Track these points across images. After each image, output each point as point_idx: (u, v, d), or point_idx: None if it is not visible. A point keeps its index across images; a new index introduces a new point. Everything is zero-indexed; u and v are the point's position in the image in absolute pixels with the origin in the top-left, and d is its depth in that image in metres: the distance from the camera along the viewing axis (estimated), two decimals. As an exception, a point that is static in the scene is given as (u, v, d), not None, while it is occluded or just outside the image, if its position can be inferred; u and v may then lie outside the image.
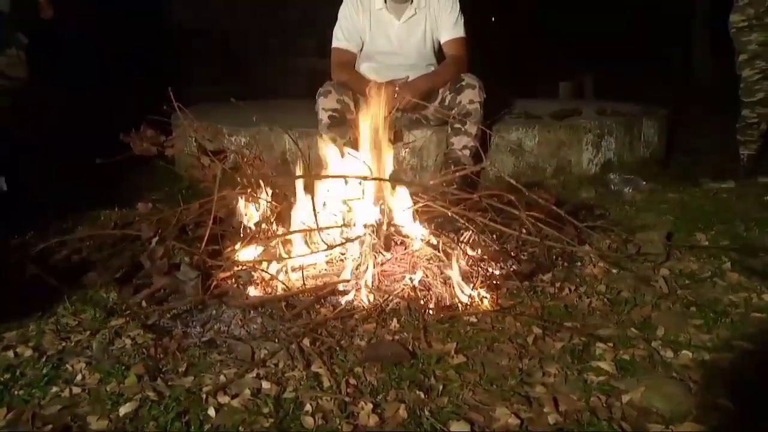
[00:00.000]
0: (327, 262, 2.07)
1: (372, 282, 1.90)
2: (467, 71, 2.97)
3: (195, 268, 1.93)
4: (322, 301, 1.87)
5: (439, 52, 3.11)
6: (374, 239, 2.00)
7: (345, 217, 2.15)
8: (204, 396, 1.41)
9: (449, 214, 2.14)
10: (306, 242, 2.07)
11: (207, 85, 5.32)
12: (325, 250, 2.01)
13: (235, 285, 1.96)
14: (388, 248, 2.05)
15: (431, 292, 1.89)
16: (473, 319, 1.77)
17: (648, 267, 2.15)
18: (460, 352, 1.59)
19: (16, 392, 1.44)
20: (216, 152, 2.56)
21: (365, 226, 2.04)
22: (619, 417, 1.34)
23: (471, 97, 2.88)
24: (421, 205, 2.19)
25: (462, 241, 2.08)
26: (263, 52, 6.45)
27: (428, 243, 2.04)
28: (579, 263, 2.18)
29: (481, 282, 1.95)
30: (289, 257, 2.01)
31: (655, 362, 1.55)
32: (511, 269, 2.03)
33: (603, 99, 4.76)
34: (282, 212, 2.20)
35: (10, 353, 1.61)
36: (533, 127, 3.38)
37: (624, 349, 1.60)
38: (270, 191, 2.25)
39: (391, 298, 1.85)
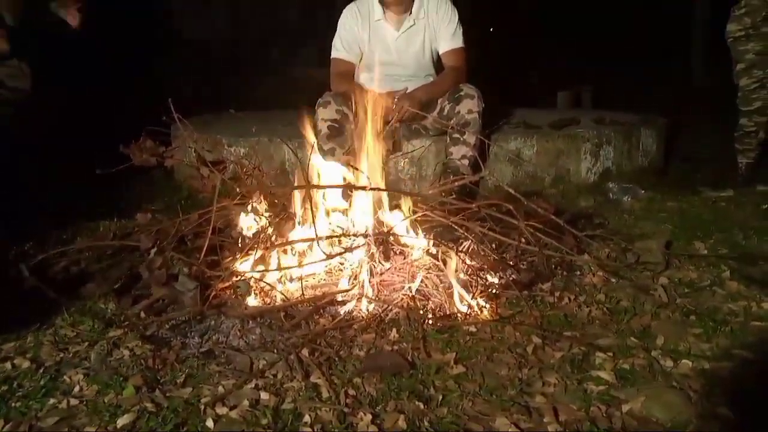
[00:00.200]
0: (326, 272, 2.07)
1: (371, 292, 1.90)
2: (466, 81, 2.98)
3: (194, 279, 1.93)
4: (321, 311, 1.87)
5: (437, 63, 3.13)
6: (374, 249, 2.00)
7: (344, 227, 2.15)
8: (202, 407, 1.40)
9: (448, 223, 2.14)
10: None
11: (206, 96, 5.34)
12: (323, 259, 2.01)
13: (234, 295, 1.96)
14: (387, 258, 2.05)
15: (430, 302, 1.89)
16: (473, 329, 1.76)
17: (647, 276, 2.15)
18: (460, 362, 1.59)
19: (13, 404, 1.43)
20: (215, 163, 2.57)
21: (364, 236, 2.04)
22: (620, 427, 1.33)
23: (470, 106, 2.89)
24: (420, 214, 2.19)
25: (461, 251, 2.08)
26: (263, 62, 6.48)
27: (427, 252, 2.04)
28: (578, 272, 2.18)
29: (481, 291, 1.95)
30: (289, 267, 2.01)
31: (654, 371, 1.54)
32: (511, 279, 2.03)
33: (601, 108, 4.78)
34: (281, 222, 2.20)
35: (8, 365, 1.60)
36: (532, 137, 3.39)
37: (624, 358, 1.60)
38: (269, 202, 2.25)
39: (390, 307, 1.84)
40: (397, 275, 1.99)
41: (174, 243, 2.16)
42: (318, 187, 2.15)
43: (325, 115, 2.87)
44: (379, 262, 2.01)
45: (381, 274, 1.98)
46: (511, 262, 2.14)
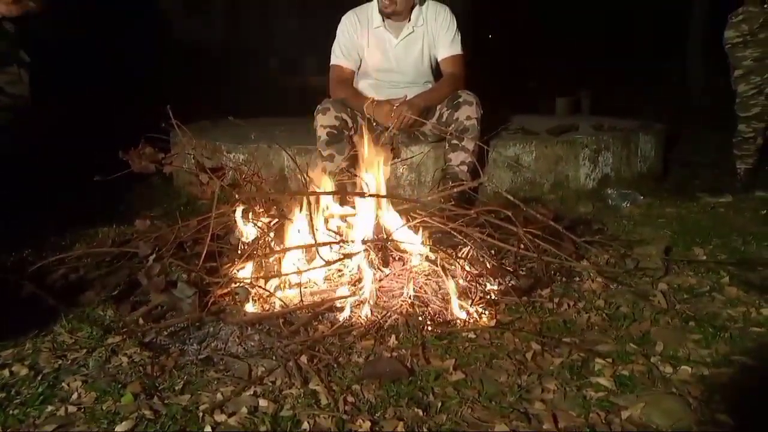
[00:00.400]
0: (325, 279, 2.06)
1: (370, 298, 1.89)
2: (464, 88, 2.99)
3: (192, 285, 1.92)
4: (320, 317, 1.87)
5: (436, 69, 3.14)
6: (373, 255, 2.00)
7: (343, 233, 2.15)
8: (201, 414, 1.40)
9: (447, 229, 2.14)
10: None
11: (206, 102, 5.36)
12: (322, 266, 2.01)
13: (233, 302, 1.95)
14: (386, 264, 2.05)
15: (429, 308, 1.88)
16: (472, 335, 1.76)
17: (646, 282, 2.15)
18: (459, 368, 1.59)
19: (11, 411, 1.43)
20: (214, 169, 2.57)
21: (363, 242, 2.04)
22: (619, 433, 1.33)
23: (468, 113, 2.89)
24: (419, 220, 2.19)
25: (460, 257, 2.08)
26: (263, 69, 6.51)
27: (426, 258, 2.04)
28: (577, 278, 2.18)
29: (480, 298, 1.94)
30: (288, 273, 2.01)
31: (654, 378, 1.54)
32: (510, 285, 2.03)
33: (600, 114, 4.79)
34: (280, 228, 2.20)
35: (6, 372, 1.60)
36: (531, 143, 3.40)
37: (623, 364, 1.60)
38: (268, 208, 2.25)
39: (389, 314, 1.84)
40: (396, 281, 1.99)
41: (173, 249, 2.16)
42: (316, 194, 2.15)
43: (324, 122, 2.88)
44: (378, 268, 2.01)
45: (380, 280, 1.98)
46: (510, 269, 2.14)
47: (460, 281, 1.99)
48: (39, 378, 1.56)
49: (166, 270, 2.03)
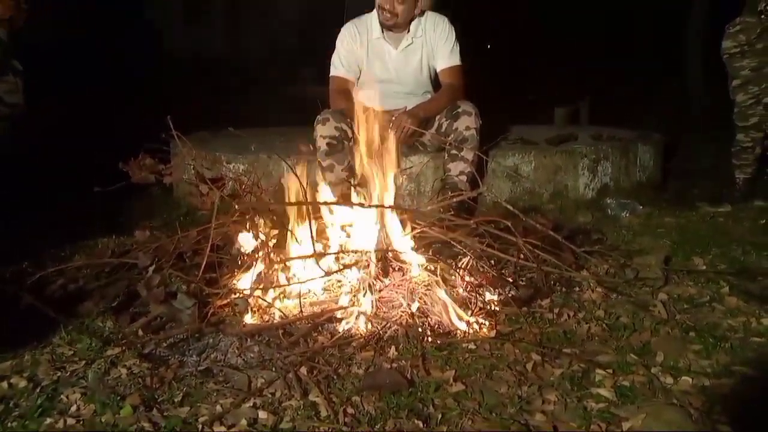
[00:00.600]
0: (324, 289, 2.06)
1: (370, 309, 1.89)
2: (463, 98, 3.00)
3: (192, 296, 1.92)
4: (320, 328, 1.86)
5: (435, 80, 3.15)
6: (373, 265, 2.00)
7: (343, 243, 2.15)
8: (200, 426, 1.39)
9: (447, 239, 2.14)
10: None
11: (205, 113, 5.37)
12: (322, 276, 2.01)
13: (232, 313, 1.95)
14: (386, 274, 2.05)
15: (429, 319, 1.88)
16: (472, 346, 1.76)
17: (646, 292, 2.15)
18: (459, 379, 1.58)
19: (9, 424, 1.42)
20: (214, 180, 2.57)
21: (363, 252, 2.04)
22: (620, 445, 1.33)
23: (467, 123, 2.90)
24: (418, 231, 2.19)
25: (460, 267, 2.08)
26: (262, 80, 6.53)
27: (426, 269, 2.04)
28: (577, 288, 2.18)
29: (479, 308, 1.94)
30: (287, 284, 2.01)
31: (655, 388, 1.53)
32: (509, 295, 2.03)
33: (598, 123, 4.80)
34: (279, 239, 2.20)
35: (5, 384, 1.59)
36: (530, 153, 3.41)
37: (623, 375, 1.59)
38: (267, 218, 2.25)
39: (389, 324, 1.84)
40: (396, 292, 1.99)
41: (172, 260, 2.16)
42: (316, 203, 2.15)
43: (324, 132, 2.88)
44: (378, 278, 2.01)
45: (380, 290, 1.97)
46: (509, 279, 2.13)
47: (460, 291, 1.99)
48: (38, 390, 1.56)
49: (165, 281, 2.02)
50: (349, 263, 2.05)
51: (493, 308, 1.98)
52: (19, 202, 2.82)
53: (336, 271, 2.04)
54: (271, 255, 2.12)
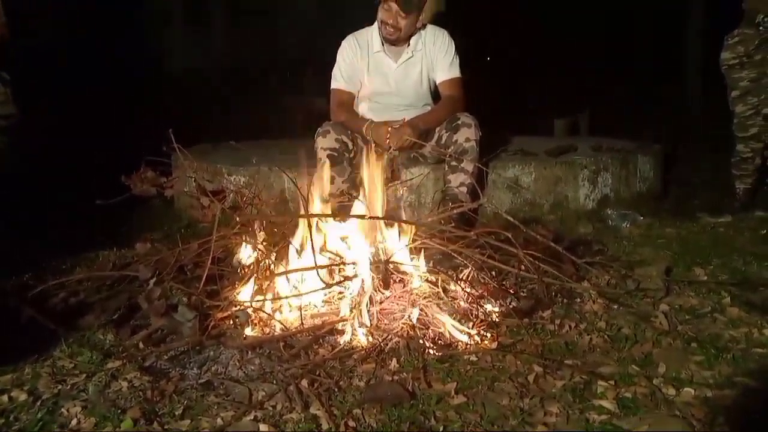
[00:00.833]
0: (325, 301, 2.06)
1: (371, 321, 1.89)
2: (463, 110, 3.01)
3: (193, 309, 1.92)
4: (321, 340, 1.86)
5: (435, 92, 3.17)
6: (373, 277, 2.00)
7: (343, 255, 2.15)
8: (201, 440, 1.39)
9: (447, 251, 2.14)
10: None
11: (207, 125, 5.39)
12: (322, 288, 2.01)
13: (233, 325, 1.95)
14: (387, 286, 2.05)
15: (430, 330, 1.88)
16: (473, 358, 1.75)
17: (648, 303, 2.14)
18: (461, 392, 1.58)
19: (10, 438, 1.42)
20: (215, 192, 2.58)
21: (364, 264, 2.04)
22: (623, 457, 1.32)
23: (467, 135, 2.91)
24: (419, 242, 2.19)
25: (460, 279, 2.08)
26: (263, 92, 6.55)
27: (427, 280, 2.04)
28: (578, 299, 2.18)
29: (481, 320, 1.94)
30: (287, 296, 2.00)
31: (657, 400, 1.53)
32: (511, 306, 2.02)
33: (598, 134, 4.81)
34: (280, 251, 2.20)
35: (5, 397, 1.58)
36: (530, 164, 3.41)
37: (625, 386, 1.59)
38: (268, 231, 2.25)
39: (390, 337, 1.83)
40: (397, 303, 1.99)
41: (173, 273, 2.16)
42: (317, 216, 2.15)
43: (325, 144, 2.89)
44: (379, 290, 2.00)
45: (381, 302, 1.97)
46: (510, 290, 2.13)
47: (461, 303, 1.99)
48: (38, 403, 1.55)
49: (166, 293, 2.02)
50: (350, 276, 2.05)
51: (494, 320, 1.98)
52: (20, 215, 2.82)
53: (336, 283, 2.04)
54: (271, 267, 2.12)
